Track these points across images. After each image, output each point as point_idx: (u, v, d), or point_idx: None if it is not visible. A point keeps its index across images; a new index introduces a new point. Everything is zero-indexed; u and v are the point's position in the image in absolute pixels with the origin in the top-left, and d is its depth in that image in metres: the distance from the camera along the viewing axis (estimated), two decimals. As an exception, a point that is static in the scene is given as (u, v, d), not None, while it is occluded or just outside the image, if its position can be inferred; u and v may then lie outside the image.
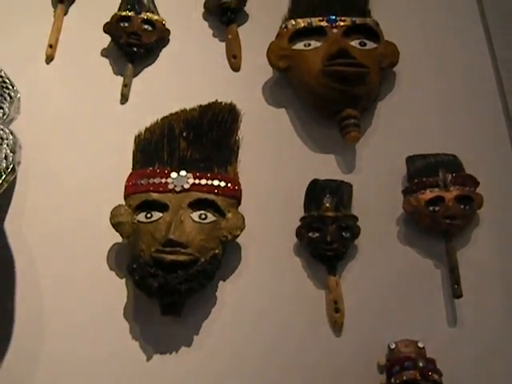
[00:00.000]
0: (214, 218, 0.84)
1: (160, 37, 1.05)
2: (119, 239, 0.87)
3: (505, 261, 0.89)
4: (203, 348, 0.83)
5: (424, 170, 0.90)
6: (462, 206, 0.88)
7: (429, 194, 0.88)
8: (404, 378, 0.76)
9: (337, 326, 0.84)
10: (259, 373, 0.82)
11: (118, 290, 0.86)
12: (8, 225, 0.90)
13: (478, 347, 0.84)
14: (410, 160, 0.92)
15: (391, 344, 0.80)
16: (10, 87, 0.93)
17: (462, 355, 0.83)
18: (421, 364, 0.77)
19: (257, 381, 0.82)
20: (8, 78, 0.94)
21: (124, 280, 0.87)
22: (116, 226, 0.85)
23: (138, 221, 0.84)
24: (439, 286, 0.87)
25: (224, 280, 0.86)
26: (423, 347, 0.80)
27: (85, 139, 0.98)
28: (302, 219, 0.87)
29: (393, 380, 0.77)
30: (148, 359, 0.82)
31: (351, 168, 0.94)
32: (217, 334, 0.84)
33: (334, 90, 0.92)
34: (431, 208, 0.87)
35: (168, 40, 1.08)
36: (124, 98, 1.01)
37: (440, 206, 0.87)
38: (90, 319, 0.85)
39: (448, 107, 1.00)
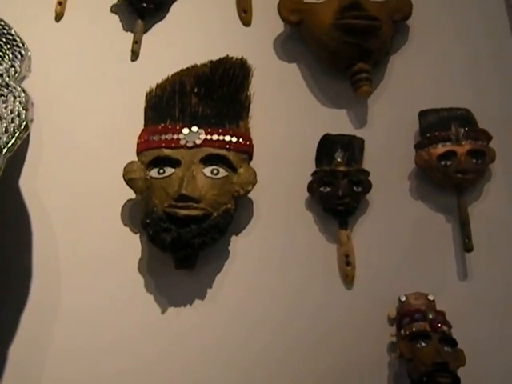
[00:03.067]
0: (225, 174, 0.84)
1: (170, -8, 1.04)
2: (132, 195, 0.87)
3: (516, 215, 0.89)
4: (216, 300, 0.84)
5: (436, 125, 0.90)
6: (474, 161, 0.87)
7: (441, 149, 0.87)
8: (413, 329, 0.77)
9: (348, 279, 0.85)
10: (271, 324, 0.84)
11: (132, 245, 0.88)
12: (23, 183, 0.92)
13: (487, 300, 0.85)
14: (423, 114, 0.92)
15: (402, 297, 0.81)
16: (21, 45, 0.93)
17: (472, 308, 0.85)
18: (430, 316, 0.78)
19: (268, 331, 0.83)
20: (18, 37, 0.94)
21: (138, 235, 0.88)
22: (129, 182, 0.85)
23: (151, 177, 0.85)
24: (450, 240, 0.87)
25: (236, 234, 0.88)
26: (433, 300, 0.81)
27: (96, 97, 0.98)
28: (313, 174, 0.88)
29: (402, 331, 0.78)
30: (163, 312, 0.84)
31: (363, 122, 0.94)
32: (229, 286, 0.85)
33: (346, 43, 0.91)
34: (443, 162, 0.87)
35: (178, -5, 1.07)
36: (134, 55, 1.00)
37: (452, 160, 0.87)
38: (106, 274, 0.86)
39: (461, 61, 0.99)
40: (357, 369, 0.81)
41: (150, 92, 0.92)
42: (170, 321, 0.84)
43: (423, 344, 0.76)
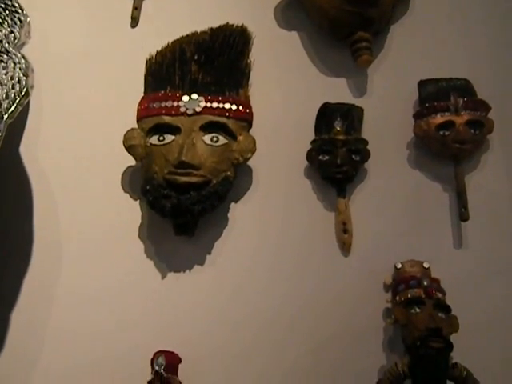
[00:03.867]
0: (225, 141, 0.85)
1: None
2: (132, 162, 0.88)
3: (513, 186, 0.90)
4: (215, 266, 0.86)
5: (435, 95, 0.90)
6: (472, 131, 0.88)
7: (439, 119, 0.88)
8: (408, 295, 0.78)
9: (345, 247, 0.86)
10: (268, 290, 0.85)
11: (132, 211, 0.89)
12: (23, 150, 0.92)
13: (481, 269, 0.87)
14: (422, 84, 0.92)
15: (397, 264, 0.83)
16: (20, 11, 0.92)
17: (466, 276, 0.86)
18: (425, 283, 0.79)
19: (266, 297, 0.85)
20: (17, 2, 0.93)
21: (138, 202, 0.89)
22: (129, 148, 0.86)
23: (151, 143, 0.85)
24: (447, 210, 0.88)
25: (235, 202, 0.88)
26: (428, 267, 0.82)
27: (96, 63, 0.98)
28: (312, 142, 0.88)
29: (397, 298, 0.79)
30: (163, 277, 0.86)
31: (362, 92, 0.94)
32: (228, 253, 0.86)
33: (347, 12, 0.91)
34: (441, 132, 0.88)
35: (177, -40, 1.06)
36: (134, 21, 1.00)
37: (450, 130, 0.87)
38: (106, 240, 0.87)
39: (462, 31, 0.99)
40: (353, 334, 0.83)
41: (150, 59, 0.92)
42: (170, 286, 0.85)
43: (417, 310, 0.77)
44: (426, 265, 0.82)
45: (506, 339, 0.84)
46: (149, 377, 0.78)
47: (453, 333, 0.76)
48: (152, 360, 0.79)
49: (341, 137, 0.87)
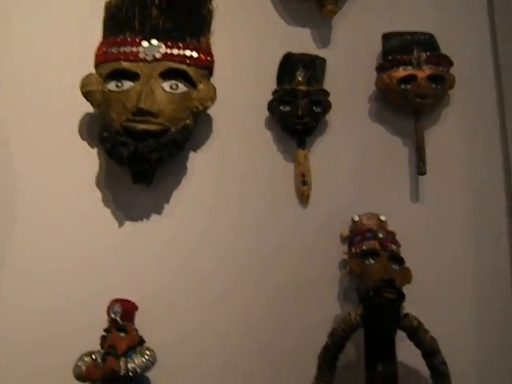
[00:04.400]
0: (185, 89, 0.83)
1: None
2: (90, 109, 0.86)
3: (471, 142, 0.91)
4: (173, 216, 0.85)
5: (399, 48, 0.89)
6: (433, 85, 0.88)
7: (402, 72, 0.88)
8: (364, 247, 0.79)
9: (304, 198, 0.86)
10: (227, 240, 0.85)
11: (89, 159, 0.87)
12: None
13: (437, 223, 0.88)
14: (386, 37, 0.91)
15: (355, 217, 0.84)
16: None
17: (422, 230, 0.88)
18: (380, 235, 0.80)
19: (224, 247, 0.85)
20: None
21: (96, 149, 0.87)
22: (87, 95, 0.84)
23: (109, 90, 0.83)
24: (405, 163, 0.89)
25: (195, 151, 0.88)
26: (385, 220, 0.83)
27: (54, 5, 0.94)
28: (273, 93, 0.87)
29: (353, 249, 0.80)
30: (120, 226, 0.85)
31: (326, 43, 0.93)
32: (187, 203, 0.86)
33: (313, -40, 0.89)
34: (403, 86, 0.87)
35: None
36: (93, -37, 0.96)
37: (412, 84, 0.87)
38: (63, 188, 0.86)
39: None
40: (309, 284, 0.84)
41: (109, 2, 0.89)
42: (127, 236, 0.85)
43: (372, 261, 0.78)
44: (382, 218, 0.83)
45: (456, 290, 0.86)
46: (106, 325, 0.78)
47: (405, 284, 0.78)
48: (108, 308, 0.79)
49: (302, 87, 0.86)
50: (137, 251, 0.84)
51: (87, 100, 0.84)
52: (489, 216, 0.89)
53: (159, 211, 0.86)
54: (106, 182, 0.86)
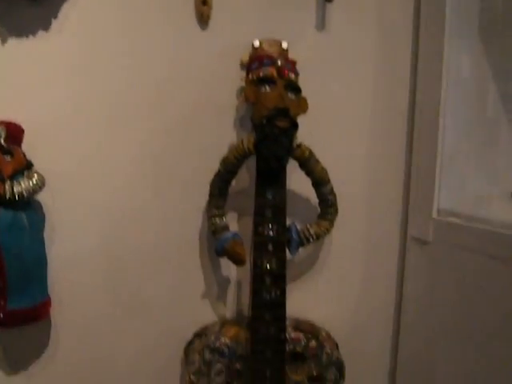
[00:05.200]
0: None
1: None
2: None
3: None
4: (62, 32, 0.78)
5: None
6: None
7: None
8: (261, 74, 0.76)
9: (203, 19, 0.81)
10: (120, 64, 0.80)
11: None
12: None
13: (340, 54, 0.86)
14: None
15: (255, 42, 0.79)
16: None
17: (325, 59, 0.86)
18: (279, 62, 0.77)
19: (118, 72, 0.80)
20: None
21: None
22: None
23: None
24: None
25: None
26: (287, 49, 0.80)
27: None
28: None
29: (250, 75, 0.77)
30: (3, 42, 0.77)
31: None
32: (74, 18, 0.78)
33: None
34: None
35: None
36: None
37: None
38: None
39: None
40: (206, 111, 0.83)
41: None
42: (11, 53, 0.77)
43: (268, 89, 0.76)
44: (284, 45, 0.79)
45: (352, 124, 0.88)
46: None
47: (300, 114, 0.76)
48: (-8, 135, 0.75)
49: None
50: (22, 70, 0.78)
51: None
52: (393, 57, 0.89)
53: (46, 28, 0.78)
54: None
